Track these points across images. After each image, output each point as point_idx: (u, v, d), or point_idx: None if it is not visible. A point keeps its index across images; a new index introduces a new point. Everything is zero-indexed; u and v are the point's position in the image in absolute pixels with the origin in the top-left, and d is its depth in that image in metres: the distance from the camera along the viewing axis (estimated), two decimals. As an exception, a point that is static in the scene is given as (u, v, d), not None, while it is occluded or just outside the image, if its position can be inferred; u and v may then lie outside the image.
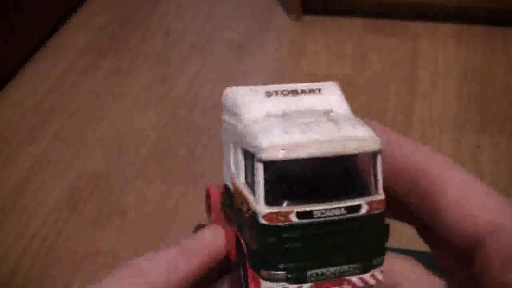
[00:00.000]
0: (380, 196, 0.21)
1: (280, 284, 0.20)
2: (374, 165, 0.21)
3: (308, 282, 0.20)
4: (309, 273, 0.20)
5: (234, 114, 0.22)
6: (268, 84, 0.23)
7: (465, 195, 0.20)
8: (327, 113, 0.22)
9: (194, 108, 1.33)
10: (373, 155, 0.21)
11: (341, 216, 0.20)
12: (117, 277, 0.21)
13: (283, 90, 0.23)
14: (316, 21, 1.54)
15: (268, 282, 0.20)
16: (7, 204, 1.16)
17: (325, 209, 0.20)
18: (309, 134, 0.20)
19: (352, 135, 0.20)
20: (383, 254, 0.21)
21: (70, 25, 1.64)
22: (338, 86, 0.24)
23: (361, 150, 0.20)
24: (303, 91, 0.23)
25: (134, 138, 1.28)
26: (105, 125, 1.32)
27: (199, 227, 0.25)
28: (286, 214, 0.20)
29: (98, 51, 1.54)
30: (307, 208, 0.20)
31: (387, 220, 0.21)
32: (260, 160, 0.20)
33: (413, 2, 1.47)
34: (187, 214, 1.11)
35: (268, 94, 0.23)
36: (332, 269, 0.20)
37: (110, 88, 1.42)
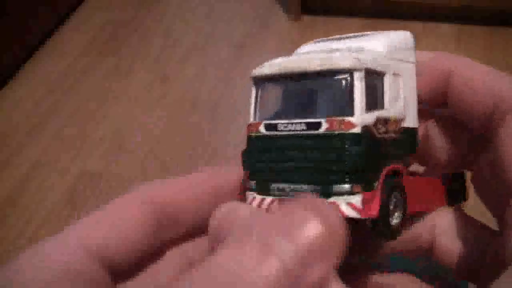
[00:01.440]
0: (350, 117, 0.20)
1: (252, 193, 0.22)
2: (351, 85, 0.20)
3: (271, 195, 0.21)
4: (272, 185, 0.21)
5: None
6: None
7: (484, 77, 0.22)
8: (351, 50, 0.22)
9: (194, 108, 1.33)
10: (350, 76, 0.20)
11: (302, 132, 0.21)
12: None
13: (339, 37, 0.24)
14: (315, 21, 1.54)
15: (248, 192, 0.22)
16: (6, 204, 1.16)
17: (288, 123, 0.21)
18: (294, 58, 0.22)
19: (326, 57, 0.21)
20: (346, 183, 0.20)
21: (70, 25, 1.63)
22: (400, 35, 0.24)
23: (324, 67, 0.20)
24: (355, 36, 0.24)
25: (134, 138, 1.28)
26: (105, 125, 1.32)
27: None
28: (257, 126, 0.22)
29: (98, 51, 1.54)
30: (273, 121, 0.21)
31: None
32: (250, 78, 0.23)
33: (413, 2, 1.47)
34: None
35: (322, 41, 0.24)
36: (292, 186, 0.21)
37: (110, 88, 1.42)
